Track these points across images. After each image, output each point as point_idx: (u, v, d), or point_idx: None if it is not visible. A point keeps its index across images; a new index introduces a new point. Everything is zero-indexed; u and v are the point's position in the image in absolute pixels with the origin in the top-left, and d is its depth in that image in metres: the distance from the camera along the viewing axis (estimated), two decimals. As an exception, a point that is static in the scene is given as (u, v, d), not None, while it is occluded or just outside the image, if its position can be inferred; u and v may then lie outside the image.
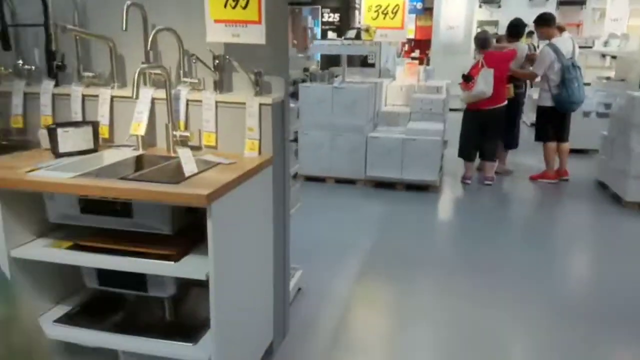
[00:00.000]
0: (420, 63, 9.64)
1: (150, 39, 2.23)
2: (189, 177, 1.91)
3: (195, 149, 2.38)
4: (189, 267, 1.87)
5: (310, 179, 5.61)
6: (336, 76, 5.82)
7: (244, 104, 2.28)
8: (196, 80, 2.40)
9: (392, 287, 3.44)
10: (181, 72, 2.41)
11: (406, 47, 12.79)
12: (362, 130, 5.48)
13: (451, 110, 7.71)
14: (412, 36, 12.85)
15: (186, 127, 2.38)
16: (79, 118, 2.47)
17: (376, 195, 5.39)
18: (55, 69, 2.50)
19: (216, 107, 2.33)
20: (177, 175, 2.04)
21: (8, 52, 2.59)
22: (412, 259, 3.81)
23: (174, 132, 2.29)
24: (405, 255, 3.88)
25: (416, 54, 12.82)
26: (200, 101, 2.33)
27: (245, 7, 2.24)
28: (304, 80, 5.77)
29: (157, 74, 2.40)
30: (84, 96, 2.46)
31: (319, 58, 10.30)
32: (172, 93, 2.33)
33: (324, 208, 4.90)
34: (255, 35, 2.24)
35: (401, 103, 6.61)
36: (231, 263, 1.96)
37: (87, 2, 2.51)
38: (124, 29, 2.20)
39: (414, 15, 12.73)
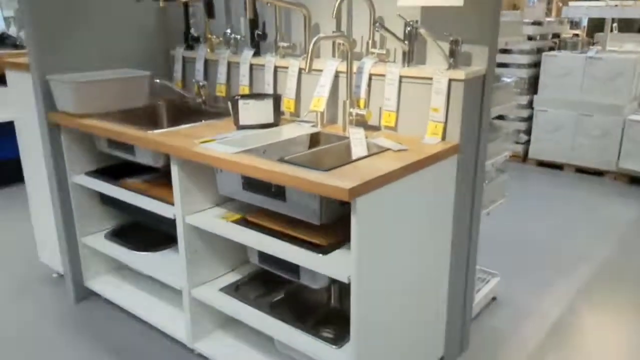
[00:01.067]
0: None
1: (336, 5, 2.03)
2: (346, 163, 1.69)
3: (373, 129, 2.14)
4: (335, 264, 1.67)
5: (543, 164, 4.82)
6: (594, 43, 4.79)
7: (431, 79, 1.93)
8: (384, 52, 2.12)
9: (628, 320, 2.69)
10: (369, 42, 2.17)
11: None
12: (621, 112, 4.43)
13: None
14: None
15: (367, 104, 2.14)
16: (270, 90, 2.45)
17: (630, 194, 4.34)
18: (256, 38, 2.52)
19: (400, 82, 2.03)
20: (339, 159, 1.84)
21: (222, 21, 2.72)
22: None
23: (351, 110, 2.08)
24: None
25: None
26: (384, 75, 2.06)
27: (447, -37, 1.86)
28: (551, 48, 4.91)
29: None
30: (276, 67, 2.43)
31: (585, 23, 8.80)
32: (354, 66, 2.11)
33: (556, 203, 4.15)
34: (455, -4, 1.85)
35: (687, 78, 5.15)
36: (382, 266, 1.70)
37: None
38: (309, -5, 2.06)
39: None
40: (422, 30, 1.89)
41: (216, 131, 2.14)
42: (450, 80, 1.89)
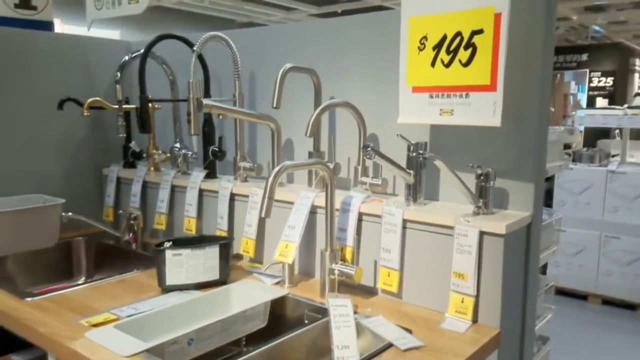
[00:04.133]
0: None
1: (311, 121, 1.43)
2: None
3: (366, 291, 1.46)
4: None
5: (562, 292, 4.11)
6: (612, 156, 4.29)
7: (451, 228, 1.28)
8: (379, 182, 1.50)
9: None
10: (359, 167, 1.55)
11: None
12: (653, 234, 3.80)
13: None
14: None
15: (355, 258, 1.48)
16: (224, 225, 1.79)
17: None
18: (210, 156, 1.91)
19: (403, 228, 1.38)
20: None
21: (170, 133, 2.14)
22: None
23: (332, 265, 1.40)
24: None
25: None
26: (379, 216, 1.42)
27: (467, 64, 1.28)
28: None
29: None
30: (233, 195, 1.79)
31: (582, 129, 8.53)
32: (338, 200, 1.48)
33: (582, 348, 3.38)
34: (484, 110, 1.25)
35: None
36: None
37: (257, 75, 1.88)
38: (274, 105, 1.47)
39: None
40: (437, 162, 1.26)
41: (131, 294, 1.46)
42: (481, 233, 1.24)
